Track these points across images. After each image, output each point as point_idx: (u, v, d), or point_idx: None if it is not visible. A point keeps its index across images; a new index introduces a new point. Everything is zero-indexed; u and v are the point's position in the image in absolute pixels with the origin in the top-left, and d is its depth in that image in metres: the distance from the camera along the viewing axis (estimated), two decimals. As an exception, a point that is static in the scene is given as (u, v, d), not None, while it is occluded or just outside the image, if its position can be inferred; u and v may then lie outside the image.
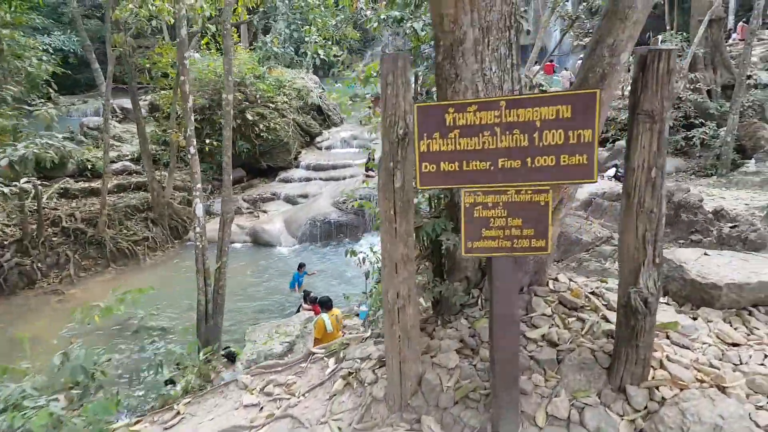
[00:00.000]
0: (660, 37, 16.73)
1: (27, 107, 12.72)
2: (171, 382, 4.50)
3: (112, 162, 17.20)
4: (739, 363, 2.91)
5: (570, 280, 3.83)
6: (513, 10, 3.56)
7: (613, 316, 3.10)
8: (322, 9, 14.34)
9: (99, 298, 13.47)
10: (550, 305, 3.43)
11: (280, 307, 11.94)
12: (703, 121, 13.84)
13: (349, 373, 3.42)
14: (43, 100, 14.48)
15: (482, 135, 2.41)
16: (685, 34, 15.71)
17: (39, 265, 13.53)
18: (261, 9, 14.10)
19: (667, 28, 18.80)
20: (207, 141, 15.55)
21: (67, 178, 16.53)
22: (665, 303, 3.61)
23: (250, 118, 16.85)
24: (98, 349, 3.80)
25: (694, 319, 3.37)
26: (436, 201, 3.94)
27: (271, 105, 17.15)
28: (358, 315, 9.34)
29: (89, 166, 16.57)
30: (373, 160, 15.60)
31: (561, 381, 2.85)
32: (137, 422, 3.80)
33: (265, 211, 16.44)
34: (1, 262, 12.89)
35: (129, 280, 14.18)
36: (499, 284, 2.59)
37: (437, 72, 2.88)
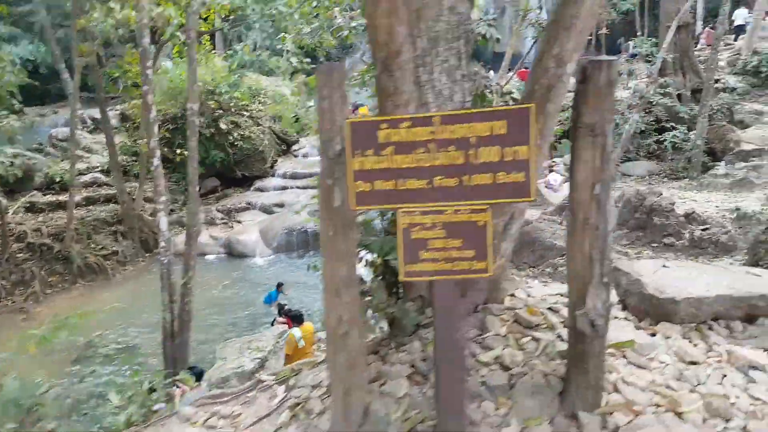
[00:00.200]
0: (631, 43, 16.93)
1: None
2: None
3: (82, 174, 16.80)
4: (697, 384, 2.80)
5: (528, 295, 3.72)
6: (462, 20, 3.46)
7: (568, 335, 2.98)
8: (296, 17, 14.22)
9: (68, 314, 13.05)
10: (505, 324, 3.30)
11: (254, 321, 11.69)
12: (674, 125, 13.97)
13: (297, 404, 3.24)
14: (6, 112, 14.07)
15: (417, 152, 2.27)
16: (654, 39, 15.89)
17: (3, 282, 13.09)
18: (231, 17, 13.90)
19: (638, 33, 19.03)
20: (178, 151, 15.25)
21: (35, 192, 16.09)
22: (624, 318, 3.51)
23: (224, 126, 16.60)
24: (38, 380, 3.58)
25: (653, 335, 3.27)
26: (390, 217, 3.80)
27: (245, 113, 16.90)
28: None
29: (57, 179, 16.13)
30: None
31: (512, 408, 2.71)
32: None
33: (239, 222, 16.17)
34: (-38, 280, 12.45)
35: (97, 296, 13.79)
36: (440, 308, 2.45)
37: (377, 85, 2.75)
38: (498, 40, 8.25)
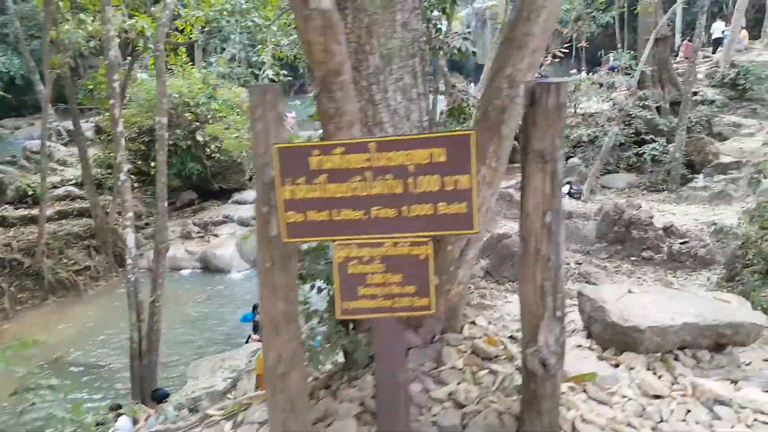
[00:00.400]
0: (611, 55, 17.03)
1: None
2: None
3: (55, 187, 16.40)
4: (659, 420, 2.65)
5: (489, 322, 3.55)
6: (416, 37, 3.32)
7: (525, 369, 2.81)
8: (273, 29, 14.09)
9: (36, 333, 12.66)
10: (463, 355, 3.13)
11: (228, 338, 11.39)
12: (654, 137, 14.01)
13: (241, 442, 3.03)
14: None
15: (352, 180, 2.10)
16: (633, 52, 15.98)
17: (-30, 299, 12.66)
18: (207, 29, 13.72)
19: (618, 46, 19.17)
20: (153, 164, 14.94)
21: (6, 206, 15.65)
22: (588, 347, 3.36)
23: (200, 139, 16.34)
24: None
25: (616, 366, 3.12)
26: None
27: (223, 125, 16.65)
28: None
29: (30, 192, 15.71)
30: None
31: (463, 451, 2.53)
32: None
33: (216, 235, 15.87)
34: (-74, 298, 12.01)
35: (69, 312, 13.40)
36: (382, 348, 2.27)
37: (318, 106, 2.58)
38: (474, 53, 8.16)
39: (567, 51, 11.95)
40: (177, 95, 16.05)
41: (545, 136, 2.33)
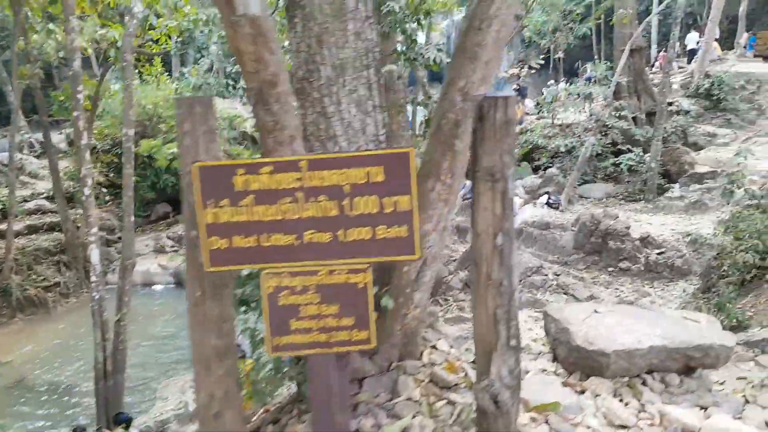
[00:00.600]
0: (588, 66, 17.15)
1: None
2: None
3: (26, 201, 15.94)
4: (624, 453, 2.49)
5: (451, 346, 3.37)
6: (370, 48, 3.17)
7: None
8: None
9: (4, 352, 12.18)
10: (420, 385, 2.94)
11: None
12: (630, 147, 14.06)
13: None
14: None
15: (282, 202, 1.92)
16: (610, 63, 16.11)
17: (-66, 318, 12.17)
18: (180, 39, 13.50)
19: (596, 57, 19.33)
20: (127, 177, 14.58)
21: (-27, 220, 15.15)
22: (554, 372, 3.20)
23: (176, 149, 16.02)
24: None
25: (582, 392, 2.96)
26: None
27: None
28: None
29: (0, 206, 15.24)
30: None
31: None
32: None
33: (192, 249, 15.51)
34: None
35: (37, 330, 12.95)
36: (317, 386, 2.07)
37: (256, 119, 2.41)
38: (448, 63, 8.07)
39: (543, 63, 11.95)
40: (151, 106, 15.76)
41: (494, 153, 2.18)
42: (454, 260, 10.74)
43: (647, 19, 15.04)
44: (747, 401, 3.13)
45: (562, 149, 14.29)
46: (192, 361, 2.35)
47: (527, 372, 3.21)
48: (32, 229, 15.41)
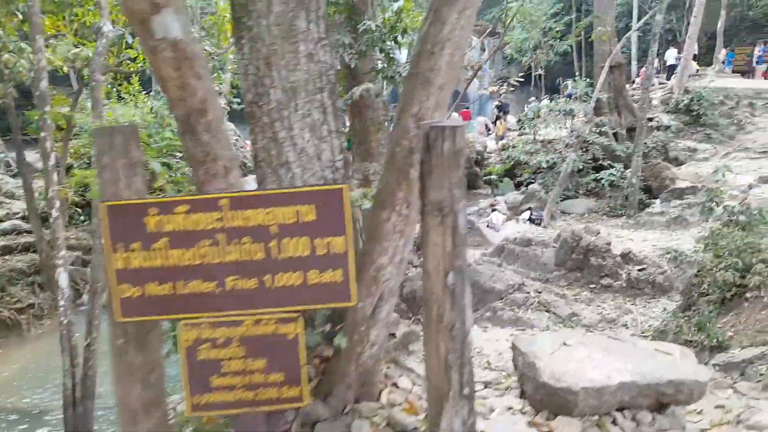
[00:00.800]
0: (569, 83, 17.24)
1: None
2: None
3: (0, 221, 15.57)
4: (590, 504, 2.31)
5: (414, 384, 3.19)
6: (324, 70, 3.02)
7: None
8: (230, 57, 13.75)
9: (-26, 377, 11.62)
10: (377, 429, 2.75)
11: (174, 380, 10.70)
12: (611, 163, 14.07)
13: None
14: None
15: (201, 245, 1.74)
16: (590, 79, 16.20)
17: None
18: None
19: (577, 74, 19.47)
20: (102, 196, 14.27)
21: (-56, 242, 14.73)
22: (520, 410, 3.02)
23: (153, 168, 15.74)
24: None
25: (548, 433, 2.78)
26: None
27: (178, 154, 16.12)
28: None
29: (-29, 227, 14.84)
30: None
31: None
32: None
33: (171, 269, 15.17)
34: None
35: (10, 354, 12.51)
36: (247, 446, 1.88)
37: (186, 151, 2.24)
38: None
39: (522, 80, 11.92)
40: (126, 124, 15.51)
41: (442, 186, 2.02)
42: (435, 279, 10.58)
43: (626, 36, 15.16)
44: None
45: (544, 165, 14.27)
46: (116, 414, 2.14)
47: (493, 410, 3.03)
48: (6, 250, 15.00)
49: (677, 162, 15.17)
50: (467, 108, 19.70)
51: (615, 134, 14.93)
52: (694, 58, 20.19)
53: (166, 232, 1.73)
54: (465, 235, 2.10)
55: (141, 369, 2.11)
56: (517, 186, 15.09)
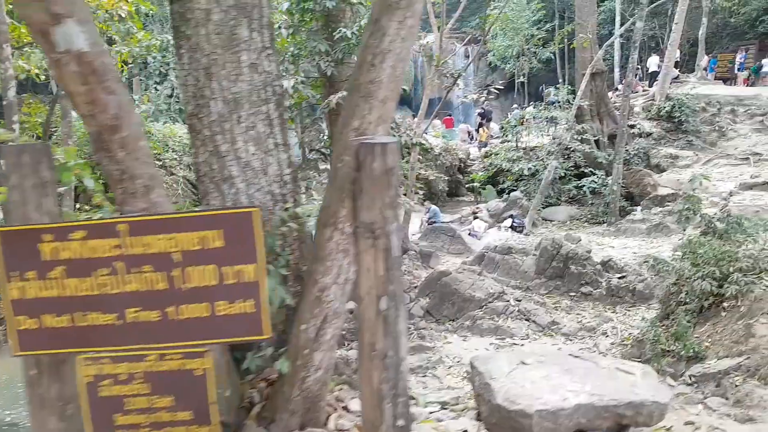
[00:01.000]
0: (551, 90, 17.27)
1: None
2: None
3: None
4: None
5: (366, 407, 3.04)
6: (268, 81, 2.90)
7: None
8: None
9: (-57, 392, 11.36)
10: (321, 458, 2.61)
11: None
12: (593, 170, 14.07)
13: None
14: None
15: (99, 274, 1.61)
16: (571, 87, 16.24)
17: None
18: (132, 64, 13.17)
19: (560, 81, 19.54)
20: (77, 205, 14.02)
21: None
22: (474, 435, 2.89)
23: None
24: None
25: (501, 461, 2.66)
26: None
27: (158, 162, 15.88)
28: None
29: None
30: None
31: None
32: None
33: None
34: None
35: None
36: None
37: (101, 168, 2.10)
38: (404, 89, 7.97)
39: (502, 88, 11.91)
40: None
41: (373, 206, 1.91)
42: (416, 287, 10.47)
43: (607, 43, 15.21)
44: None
45: (526, 172, 14.25)
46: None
47: (447, 435, 2.90)
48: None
49: (659, 169, 15.21)
50: (450, 115, 19.66)
51: (597, 141, 14.96)
52: (677, 65, 20.34)
53: (62, 260, 1.60)
54: (399, 258, 1.98)
55: (56, 401, 1.96)
56: (500, 193, 15.05)
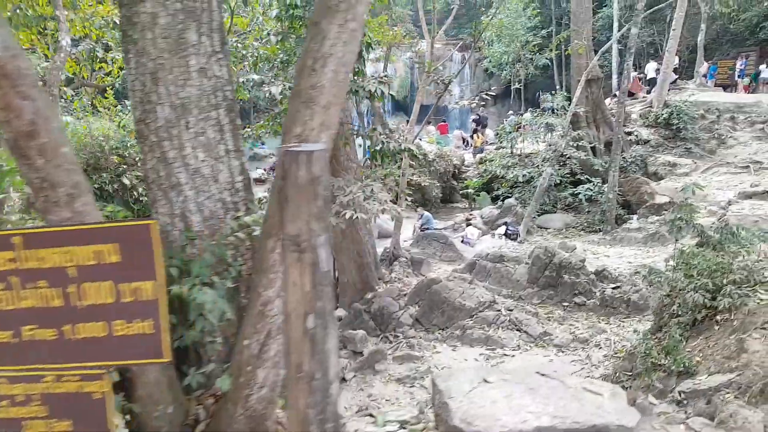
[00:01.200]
0: (547, 96, 17.17)
1: None
2: None
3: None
4: None
5: None
6: (219, 86, 2.80)
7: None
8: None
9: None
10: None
11: None
12: (589, 177, 13.93)
13: None
14: None
15: (-8, 291, 1.50)
16: (568, 93, 16.13)
17: None
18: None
19: (557, 87, 19.43)
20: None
21: None
22: (431, 456, 2.77)
23: (127, 182, 15.48)
24: None
25: (455, 485, 2.53)
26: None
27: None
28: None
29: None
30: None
31: None
32: None
33: (142, 285, 14.83)
34: None
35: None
36: None
37: (22, 176, 2.00)
38: (392, 96, 7.90)
39: (493, 94, 11.82)
40: (102, 138, 15.30)
41: (298, 218, 1.79)
42: (405, 294, 10.33)
43: (602, 49, 15.10)
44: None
45: (521, 179, 14.11)
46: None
47: (403, 456, 2.78)
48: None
49: (656, 177, 15.03)
50: (444, 121, 19.57)
51: (593, 148, 14.82)
52: (676, 71, 20.20)
53: (-50, 274, 1.50)
54: (328, 273, 1.87)
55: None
56: (494, 200, 14.92)
